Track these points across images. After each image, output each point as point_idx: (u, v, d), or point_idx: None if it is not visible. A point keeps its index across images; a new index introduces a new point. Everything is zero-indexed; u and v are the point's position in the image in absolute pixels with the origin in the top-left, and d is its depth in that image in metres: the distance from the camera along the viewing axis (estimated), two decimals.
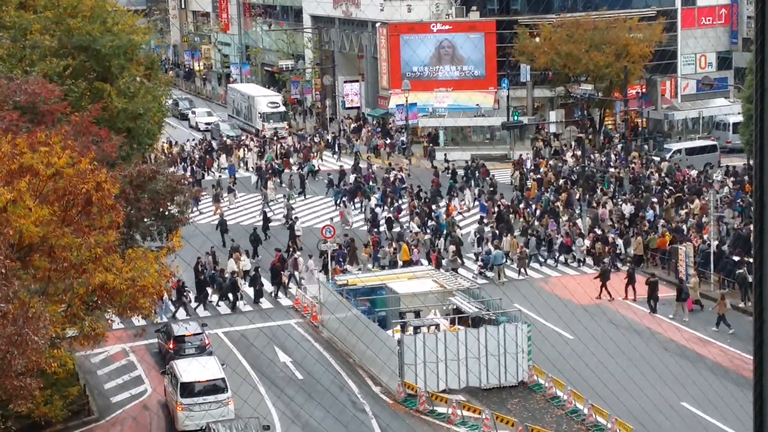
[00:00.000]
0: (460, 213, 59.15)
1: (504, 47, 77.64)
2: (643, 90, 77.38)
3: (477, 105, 76.52)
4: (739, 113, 70.79)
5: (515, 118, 73.02)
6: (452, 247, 49.74)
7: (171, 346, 38.54)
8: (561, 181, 62.71)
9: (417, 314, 38.72)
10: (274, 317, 43.97)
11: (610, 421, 31.80)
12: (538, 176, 64.69)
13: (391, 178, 64.90)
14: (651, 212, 54.77)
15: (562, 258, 50.72)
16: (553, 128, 76.66)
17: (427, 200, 59.18)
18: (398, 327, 37.23)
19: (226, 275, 46.39)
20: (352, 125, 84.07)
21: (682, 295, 43.33)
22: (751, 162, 53.41)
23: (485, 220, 55.39)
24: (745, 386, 33.90)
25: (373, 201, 59.80)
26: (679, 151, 69.61)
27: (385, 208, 58.52)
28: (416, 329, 36.53)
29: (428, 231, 53.82)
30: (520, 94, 78.70)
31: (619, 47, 72.94)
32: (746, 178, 62.68)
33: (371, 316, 38.50)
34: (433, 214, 56.42)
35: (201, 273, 46.23)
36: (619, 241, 50.31)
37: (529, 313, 40.61)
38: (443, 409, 34.07)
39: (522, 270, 49.04)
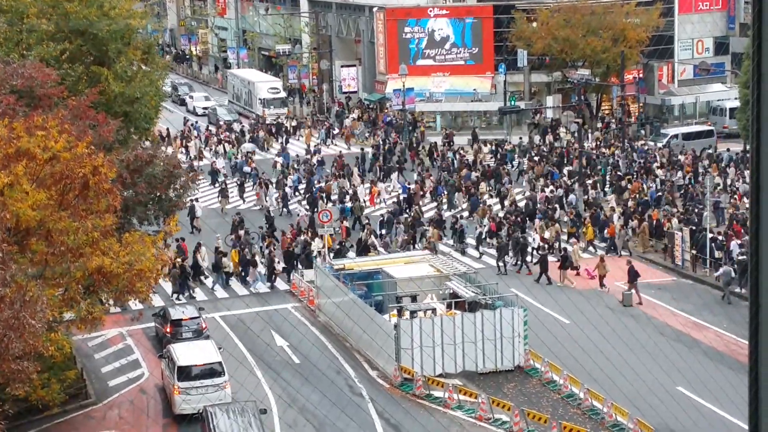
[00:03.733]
0: (381, 199, 59.02)
1: (501, 32, 77.54)
2: (640, 75, 77.35)
3: (474, 90, 76.48)
4: (735, 98, 70.79)
5: (512, 103, 73.00)
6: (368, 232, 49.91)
7: (168, 330, 38.57)
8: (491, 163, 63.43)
9: (413, 299, 38.74)
10: (271, 301, 44.04)
11: (605, 406, 31.91)
12: (466, 158, 65.16)
13: (313, 161, 65.17)
14: (573, 197, 55.04)
15: (487, 241, 50.10)
16: (549, 113, 76.59)
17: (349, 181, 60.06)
18: (395, 311, 37.28)
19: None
20: (355, 115, 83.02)
21: (566, 263, 43.98)
22: (748, 147, 52.94)
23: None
24: (740, 371, 34.01)
25: (289, 182, 60.55)
26: (676, 136, 69.61)
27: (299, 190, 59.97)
28: (413, 314, 36.56)
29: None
30: (517, 79, 78.64)
31: (616, 32, 72.92)
32: (682, 159, 62.75)
33: (368, 301, 38.55)
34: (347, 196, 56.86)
35: (289, 246, 47.08)
36: (534, 235, 49.09)
37: (525, 297, 40.68)
38: (440, 393, 34.14)
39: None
